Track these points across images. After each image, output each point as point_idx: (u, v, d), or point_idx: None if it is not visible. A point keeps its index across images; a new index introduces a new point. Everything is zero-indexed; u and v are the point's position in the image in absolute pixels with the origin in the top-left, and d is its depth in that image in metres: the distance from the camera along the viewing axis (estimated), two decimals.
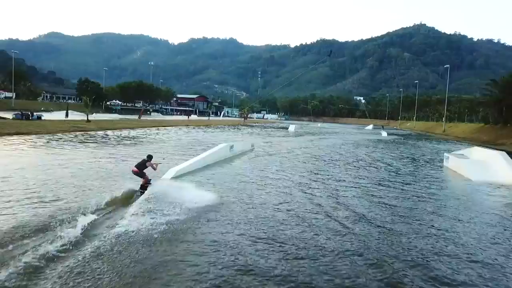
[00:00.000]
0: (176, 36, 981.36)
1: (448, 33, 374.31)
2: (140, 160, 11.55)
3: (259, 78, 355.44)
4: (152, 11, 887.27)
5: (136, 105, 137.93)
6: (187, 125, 56.37)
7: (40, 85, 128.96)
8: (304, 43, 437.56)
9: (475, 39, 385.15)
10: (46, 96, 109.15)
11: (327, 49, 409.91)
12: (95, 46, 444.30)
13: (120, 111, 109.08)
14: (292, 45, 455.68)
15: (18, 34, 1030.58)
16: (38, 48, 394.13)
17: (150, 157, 11.48)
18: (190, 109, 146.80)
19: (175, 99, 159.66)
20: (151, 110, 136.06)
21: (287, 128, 67.87)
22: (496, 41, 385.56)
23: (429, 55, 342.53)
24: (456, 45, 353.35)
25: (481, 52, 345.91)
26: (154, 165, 11.38)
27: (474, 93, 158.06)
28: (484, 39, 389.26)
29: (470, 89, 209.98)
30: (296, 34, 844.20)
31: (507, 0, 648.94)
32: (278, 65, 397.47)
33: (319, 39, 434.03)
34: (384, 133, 60.36)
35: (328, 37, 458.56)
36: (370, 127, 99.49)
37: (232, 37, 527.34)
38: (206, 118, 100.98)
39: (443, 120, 78.02)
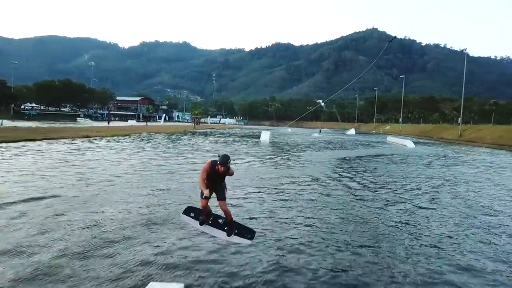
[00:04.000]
0: (126, 39, 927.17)
1: (400, 38, 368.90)
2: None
3: (214, 82, 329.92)
4: (100, 14, 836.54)
5: (62, 109, 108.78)
6: (87, 136, 31.05)
7: None
8: (259, 47, 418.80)
9: (423, 44, 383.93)
10: None
11: (282, 52, 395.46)
12: (38, 49, 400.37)
13: (35, 117, 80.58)
14: (247, 49, 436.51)
15: None
16: None
17: (226, 160, 5.44)
18: (130, 113, 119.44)
19: (114, 102, 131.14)
20: (82, 115, 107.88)
21: (255, 137, 44.17)
22: (442, 45, 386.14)
23: (383, 58, 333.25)
24: (408, 49, 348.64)
25: (432, 56, 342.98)
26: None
27: (430, 95, 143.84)
28: (431, 43, 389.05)
29: (424, 91, 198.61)
30: (251, 38, 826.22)
31: (449, 7, 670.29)
32: (233, 68, 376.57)
33: (274, 42, 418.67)
34: (410, 143, 37.83)
35: (283, 40, 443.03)
36: (352, 131, 78.40)
37: (185, 41, 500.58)
38: (144, 123, 75.05)
39: (459, 122, 57.22)
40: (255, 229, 6.21)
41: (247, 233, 5.80)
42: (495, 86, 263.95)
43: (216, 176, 5.48)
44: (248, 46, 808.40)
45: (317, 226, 7.54)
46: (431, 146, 40.36)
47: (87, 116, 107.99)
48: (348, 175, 15.13)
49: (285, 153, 24.62)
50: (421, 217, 8.57)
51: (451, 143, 48.89)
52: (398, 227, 7.69)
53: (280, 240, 6.59)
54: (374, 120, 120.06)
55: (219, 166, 5.37)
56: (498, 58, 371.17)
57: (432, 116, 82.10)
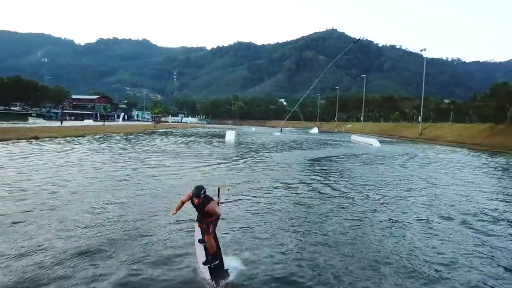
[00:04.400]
0: (83, 36, 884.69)
1: (358, 38, 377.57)
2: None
3: (175, 80, 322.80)
4: (54, 8, 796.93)
5: (12, 108, 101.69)
6: (36, 138, 28.22)
7: None
8: (221, 45, 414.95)
9: (380, 45, 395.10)
10: None
11: (244, 51, 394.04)
12: None
13: None
14: (209, 47, 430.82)
15: None
16: None
17: (198, 191, 4.91)
18: (87, 112, 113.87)
19: (69, 100, 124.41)
20: (34, 114, 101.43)
21: (220, 137, 42.70)
22: (398, 46, 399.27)
23: (342, 58, 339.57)
24: (366, 50, 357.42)
25: (388, 57, 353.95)
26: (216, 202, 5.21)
27: (386, 94, 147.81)
28: (387, 45, 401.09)
29: (381, 90, 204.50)
30: (213, 36, 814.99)
31: (404, 10, 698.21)
32: (195, 67, 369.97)
33: (236, 41, 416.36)
34: (376, 142, 37.57)
35: (245, 39, 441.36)
36: (315, 130, 78.39)
37: (145, 38, 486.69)
38: (101, 123, 71.15)
39: (419, 120, 58.29)
40: (230, 257, 5.16)
41: (218, 276, 4.86)
42: (447, 86, 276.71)
43: (198, 208, 5.08)
44: (210, 44, 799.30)
45: (304, 249, 6.23)
46: (395, 145, 40.51)
47: (39, 115, 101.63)
48: (324, 179, 13.99)
49: (252, 154, 23.29)
50: (423, 234, 7.42)
51: (413, 141, 49.56)
52: (401, 249, 6.49)
53: (263, 274, 5.20)
54: (335, 119, 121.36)
55: (194, 198, 4.95)
56: (449, 59, 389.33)
57: (392, 115, 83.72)
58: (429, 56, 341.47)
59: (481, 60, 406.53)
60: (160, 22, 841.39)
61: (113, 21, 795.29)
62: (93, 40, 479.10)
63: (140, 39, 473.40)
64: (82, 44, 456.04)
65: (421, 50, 57.54)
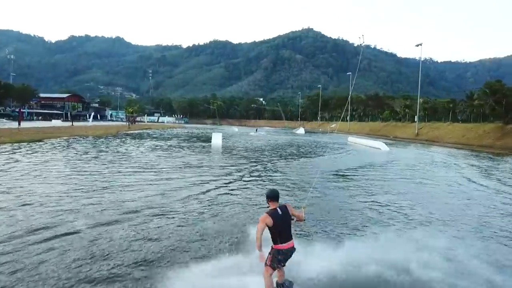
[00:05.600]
0: (53, 33, 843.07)
1: (334, 38, 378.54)
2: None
3: (150, 79, 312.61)
4: (22, 4, 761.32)
5: None
6: None
7: None
8: (197, 44, 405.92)
9: (356, 44, 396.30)
10: None
11: (220, 50, 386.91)
12: None
13: None
14: (184, 46, 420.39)
15: None
16: None
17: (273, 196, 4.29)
18: (57, 111, 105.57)
19: (37, 99, 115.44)
20: None
21: (204, 139, 37.30)
22: (373, 46, 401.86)
23: (319, 57, 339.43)
24: (342, 49, 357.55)
25: (363, 56, 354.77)
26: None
27: (363, 93, 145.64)
28: (363, 44, 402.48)
29: (358, 89, 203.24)
30: (188, 35, 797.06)
31: (376, 11, 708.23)
32: (170, 65, 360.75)
33: (212, 40, 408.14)
34: (383, 146, 32.80)
35: (221, 38, 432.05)
36: (302, 130, 73.67)
37: (118, 36, 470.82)
38: (69, 123, 64.21)
39: (415, 120, 54.39)
40: None
41: None
42: (421, 85, 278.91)
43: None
44: (185, 42, 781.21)
45: None
46: (400, 148, 36.07)
47: (3, 115, 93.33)
48: (397, 213, 8.93)
49: (249, 164, 18.05)
50: None
51: (413, 143, 45.40)
52: None
53: None
54: (319, 118, 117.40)
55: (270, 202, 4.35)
56: (422, 59, 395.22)
57: (381, 114, 79.90)
58: (403, 56, 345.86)
59: (452, 60, 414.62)
60: (133, 19, 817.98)
61: (85, 18, 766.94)
62: (64, 37, 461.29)
63: (114, 36, 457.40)
64: (53, 41, 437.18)
65: (417, 45, 53.99)
